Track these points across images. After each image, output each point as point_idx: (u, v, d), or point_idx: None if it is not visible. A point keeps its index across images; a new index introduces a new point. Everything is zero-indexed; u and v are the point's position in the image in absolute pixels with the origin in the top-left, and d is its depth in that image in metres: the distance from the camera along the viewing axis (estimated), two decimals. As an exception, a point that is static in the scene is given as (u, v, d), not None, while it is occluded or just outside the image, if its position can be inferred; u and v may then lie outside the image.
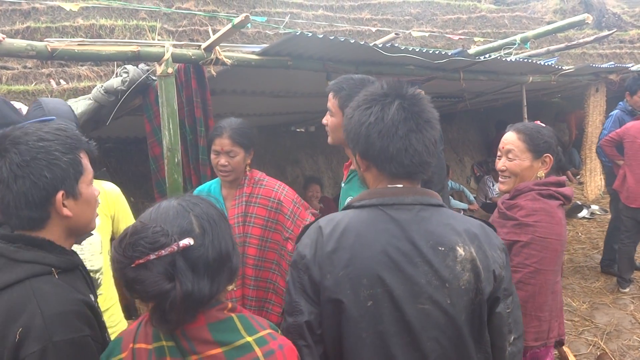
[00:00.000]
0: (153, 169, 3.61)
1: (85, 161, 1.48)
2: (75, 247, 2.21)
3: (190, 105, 3.41)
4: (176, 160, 3.10)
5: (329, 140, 2.47)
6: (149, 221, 1.26)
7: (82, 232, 1.56)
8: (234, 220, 2.69)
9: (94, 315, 1.40)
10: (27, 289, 1.30)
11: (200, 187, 2.95)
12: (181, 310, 1.20)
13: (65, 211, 1.41)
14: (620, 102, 5.84)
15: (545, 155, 2.43)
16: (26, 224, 1.39)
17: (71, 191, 1.43)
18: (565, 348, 4.05)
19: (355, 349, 1.43)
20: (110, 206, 2.48)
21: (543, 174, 2.44)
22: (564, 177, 2.48)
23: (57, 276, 1.37)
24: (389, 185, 1.51)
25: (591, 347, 4.27)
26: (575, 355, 4.01)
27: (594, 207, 8.37)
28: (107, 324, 2.38)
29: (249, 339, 1.29)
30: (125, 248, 1.20)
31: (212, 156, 2.75)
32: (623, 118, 5.63)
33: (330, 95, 2.34)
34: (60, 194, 1.39)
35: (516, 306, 1.56)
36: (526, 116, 6.34)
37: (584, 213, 8.21)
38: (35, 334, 1.24)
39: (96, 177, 2.37)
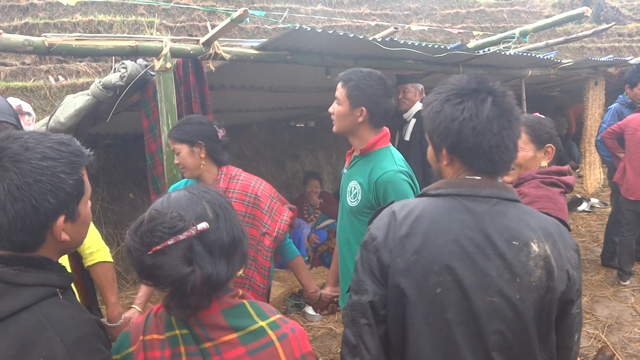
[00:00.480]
0: (149, 165, 3.61)
1: (86, 178, 1.37)
2: None
3: (188, 100, 3.40)
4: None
5: (334, 128, 2.53)
6: (163, 209, 1.27)
7: (71, 251, 1.46)
8: None
9: (104, 332, 1.34)
10: (37, 315, 1.21)
11: (175, 184, 2.90)
12: (201, 293, 1.22)
13: (64, 236, 1.30)
14: (620, 95, 5.83)
15: (548, 145, 2.46)
16: (17, 247, 1.27)
17: (71, 214, 1.31)
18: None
19: (420, 335, 1.44)
20: None
21: (546, 164, 2.46)
22: (566, 167, 2.50)
23: (61, 296, 1.28)
24: (467, 177, 1.52)
25: (592, 339, 4.27)
26: (575, 348, 4.00)
27: (594, 200, 8.37)
28: None
29: (262, 323, 1.31)
30: (143, 235, 1.21)
31: None
32: (622, 111, 5.62)
33: (339, 85, 2.44)
34: (61, 219, 1.28)
35: (581, 306, 1.57)
36: (525, 110, 6.33)
37: (584, 206, 8.21)
38: None
39: None
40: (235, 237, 1.32)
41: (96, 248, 2.54)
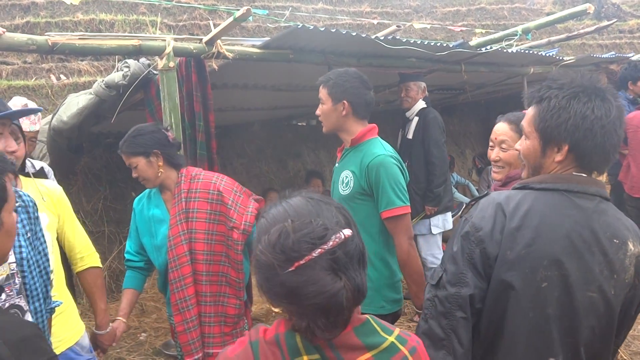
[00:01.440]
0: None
1: (10, 185, 1.29)
2: None
3: (190, 99, 3.39)
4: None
5: (324, 129, 2.69)
6: (304, 217, 1.13)
7: None
8: (176, 219, 2.62)
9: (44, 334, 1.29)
10: None
11: (140, 195, 2.88)
12: (352, 308, 1.11)
13: None
14: (620, 92, 5.83)
15: None
16: None
17: None
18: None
19: (518, 329, 1.45)
20: (55, 205, 2.34)
21: None
22: None
23: None
24: (575, 173, 1.53)
25: (594, 337, 4.26)
26: (579, 346, 4.00)
27: (596, 198, 8.36)
28: (64, 327, 2.23)
29: (391, 339, 1.20)
30: (287, 249, 1.07)
31: None
32: (626, 107, 5.62)
33: (321, 87, 2.61)
34: None
35: None
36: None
37: (586, 204, 8.19)
38: None
39: (35, 175, 2.29)
40: (363, 242, 1.19)
41: (87, 252, 2.50)
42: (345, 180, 2.60)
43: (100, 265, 2.58)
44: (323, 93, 2.60)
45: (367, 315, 1.23)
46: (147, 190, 2.83)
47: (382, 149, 2.55)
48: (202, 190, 2.68)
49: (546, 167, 1.56)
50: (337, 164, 2.77)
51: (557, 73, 1.60)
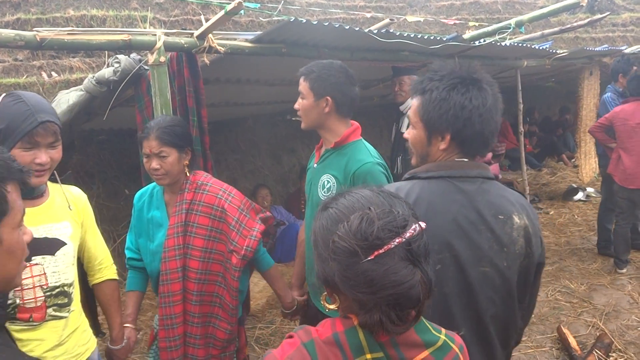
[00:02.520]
0: (142, 160, 3.56)
1: (14, 196, 1.13)
2: (49, 258, 1.96)
3: (182, 94, 3.36)
4: (171, 150, 3.06)
5: (302, 124, 2.51)
6: (376, 206, 1.12)
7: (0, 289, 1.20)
8: (174, 230, 2.47)
9: None
10: None
11: (141, 191, 2.70)
12: (425, 302, 1.10)
13: None
14: (609, 85, 5.87)
15: None
16: None
17: None
18: (565, 329, 4.06)
19: None
20: (79, 212, 2.20)
21: None
22: (488, 156, 2.53)
23: None
24: (457, 159, 1.62)
25: (590, 328, 4.28)
26: (574, 336, 4.02)
27: (590, 189, 8.39)
28: (79, 342, 2.13)
29: (442, 337, 1.20)
30: (372, 235, 1.05)
31: (144, 160, 2.49)
32: (616, 100, 5.67)
33: (301, 80, 2.43)
34: None
35: None
36: (521, 100, 6.33)
37: (580, 196, 8.24)
38: None
39: (62, 181, 2.14)
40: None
41: (106, 264, 2.37)
42: (326, 185, 2.43)
43: (117, 278, 2.44)
44: (304, 86, 2.41)
45: None
46: (150, 187, 2.68)
47: (368, 156, 2.39)
48: (206, 205, 2.50)
49: (432, 154, 1.66)
50: (315, 165, 2.58)
51: (438, 64, 1.67)
